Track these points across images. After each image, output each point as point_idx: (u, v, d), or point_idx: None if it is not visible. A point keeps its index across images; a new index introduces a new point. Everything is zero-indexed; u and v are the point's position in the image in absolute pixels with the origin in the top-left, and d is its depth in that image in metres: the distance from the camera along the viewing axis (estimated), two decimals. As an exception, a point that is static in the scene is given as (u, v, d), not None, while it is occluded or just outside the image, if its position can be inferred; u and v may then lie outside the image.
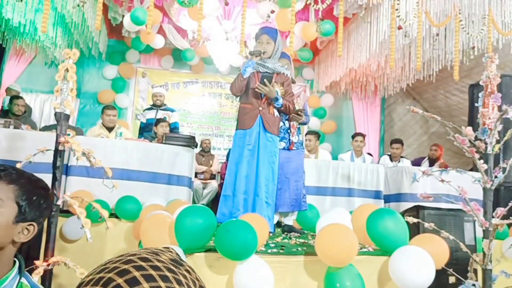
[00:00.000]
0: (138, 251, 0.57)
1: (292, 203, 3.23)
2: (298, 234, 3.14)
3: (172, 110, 5.82)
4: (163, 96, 5.85)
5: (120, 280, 0.49)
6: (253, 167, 2.92)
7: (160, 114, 5.55)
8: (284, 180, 3.23)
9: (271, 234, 2.92)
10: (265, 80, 2.85)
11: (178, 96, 7.67)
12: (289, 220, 3.35)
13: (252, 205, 2.89)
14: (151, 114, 5.62)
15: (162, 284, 0.50)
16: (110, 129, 4.65)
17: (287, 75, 3.06)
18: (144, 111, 5.93)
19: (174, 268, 0.54)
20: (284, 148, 3.27)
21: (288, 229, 3.24)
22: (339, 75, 6.38)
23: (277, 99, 2.92)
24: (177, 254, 0.63)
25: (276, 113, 3.04)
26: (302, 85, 3.25)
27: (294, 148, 3.30)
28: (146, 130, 5.55)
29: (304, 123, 3.46)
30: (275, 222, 3.29)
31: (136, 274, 0.50)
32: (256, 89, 2.90)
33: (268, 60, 3.02)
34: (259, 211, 2.86)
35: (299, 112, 3.29)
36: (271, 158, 2.95)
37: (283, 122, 3.30)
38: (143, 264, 0.52)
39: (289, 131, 3.30)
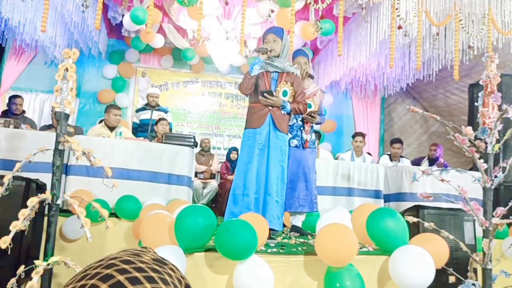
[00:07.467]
0: (119, 254, 0.55)
1: (302, 203, 3.19)
2: (300, 234, 3.13)
3: (166, 111, 5.79)
4: (158, 97, 5.83)
5: (104, 286, 0.47)
6: (263, 165, 2.85)
7: (156, 115, 5.51)
8: (296, 179, 3.19)
9: (278, 233, 2.91)
10: (265, 94, 2.81)
11: (178, 96, 7.66)
12: (298, 221, 3.31)
13: (263, 204, 2.83)
14: (146, 115, 5.58)
15: (148, 285, 0.48)
16: (111, 129, 4.64)
17: (296, 74, 2.97)
18: (137, 111, 5.82)
19: (158, 268, 0.53)
20: (296, 146, 3.22)
21: (296, 230, 3.22)
22: (339, 75, 6.37)
23: (283, 106, 2.88)
24: (155, 253, 0.61)
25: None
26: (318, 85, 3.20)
27: (308, 146, 3.25)
28: (140, 131, 5.49)
29: (319, 123, 3.38)
30: None
31: (120, 278, 0.48)
32: (261, 102, 2.86)
33: (276, 59, 2.94)
34: (271, 210, 2.80)
35: (312, 114, 3.22)
36: (281, 156, 2.89)
37: (296, 119, 3.25)
38: (126, 267, 0.50)
39: (301, 128, 3.25)
